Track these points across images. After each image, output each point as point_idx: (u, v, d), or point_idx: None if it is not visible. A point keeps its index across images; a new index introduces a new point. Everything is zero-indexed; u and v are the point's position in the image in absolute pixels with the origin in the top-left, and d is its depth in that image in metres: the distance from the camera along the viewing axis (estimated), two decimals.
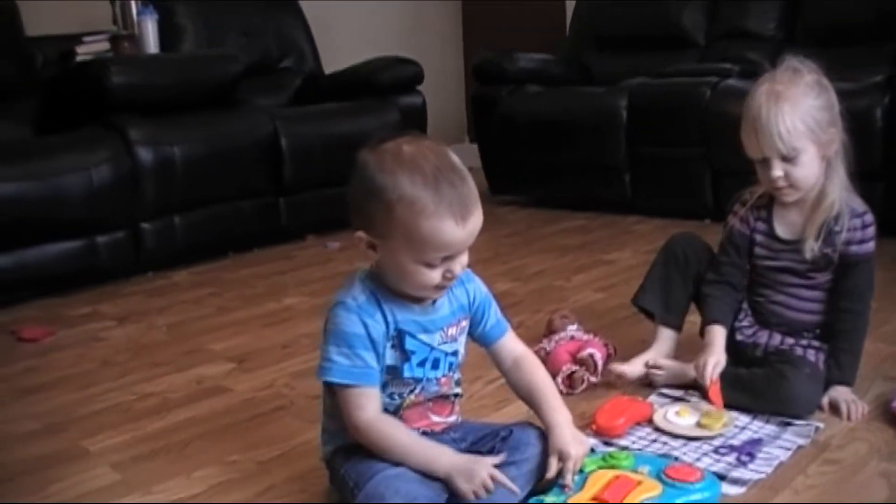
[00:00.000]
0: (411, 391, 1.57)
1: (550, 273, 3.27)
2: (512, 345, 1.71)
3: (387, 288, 1.52)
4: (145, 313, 2.98)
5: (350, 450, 1.56)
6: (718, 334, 2.04)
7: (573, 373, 2.11)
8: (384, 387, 1.54)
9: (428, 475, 1.50)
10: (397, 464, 1.49)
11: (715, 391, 1.94)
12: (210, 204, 3.63)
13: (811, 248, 1.96)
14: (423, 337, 1.55)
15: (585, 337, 2.26)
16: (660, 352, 2.16)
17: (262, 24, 4.60)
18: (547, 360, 2.19)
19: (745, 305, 2.13)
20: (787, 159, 1.90)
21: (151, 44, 4.00)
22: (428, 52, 5.40)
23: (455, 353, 1.62)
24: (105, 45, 3.95)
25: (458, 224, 1.42)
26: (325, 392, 1.60)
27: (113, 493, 1.72)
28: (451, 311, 1.59)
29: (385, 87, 4.26)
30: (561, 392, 2.08)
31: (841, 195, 1.96)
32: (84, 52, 3.88)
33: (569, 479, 1.54)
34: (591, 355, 2.13)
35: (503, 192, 4.67)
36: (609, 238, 3.81)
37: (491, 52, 4.77)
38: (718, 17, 4.72)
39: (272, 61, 4.62)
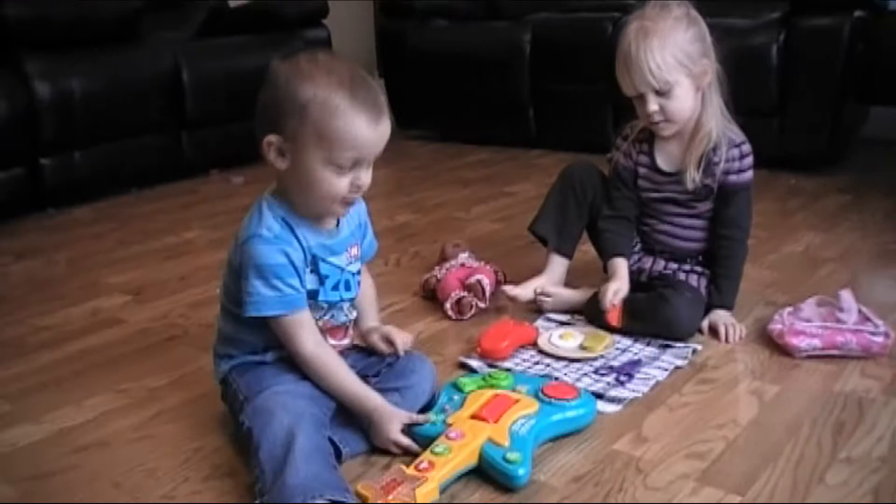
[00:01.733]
0: (322, 316, 1.61)
1: (451, 205, 3.32)
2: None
3: (295, 212, 1.54)
4: (44, 249, 2.96)
5: (245, 367, 1.60)
6: (621, 265, 2.10)
7: (461, 298, 2.16)
8: None
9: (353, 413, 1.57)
10: (291, 383, 1.54)
11: (614, 313, 2.02)
12: (111, 139, 3.58)
13: (692, 178, 2.03)
14: (333, 259, 1.59)
15: (476, 264, 2.31)
16: (551, 278, 2.21)
17: None
18: (437, 287, 2.25)
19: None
20: (660, 93, 1.95)
21: None
22: None
23: (359, 273, 1.67)
24: None
25: (371, 124, 1.46)
26: (225, 319, 1.63)
27: (2, 422, 1.73)
28: (351, 232, 1.64)
29: (290, 20, 4.23)
30: (450, 317, 2.15)
31: (718, 125, 2.01)
32: None
33: (400, 349, 1.67)
34: (479, 281, 2.18)
35: (410, 126, 4.67)
36: (512, 171, 3.87)
37: None
38: None
39: None
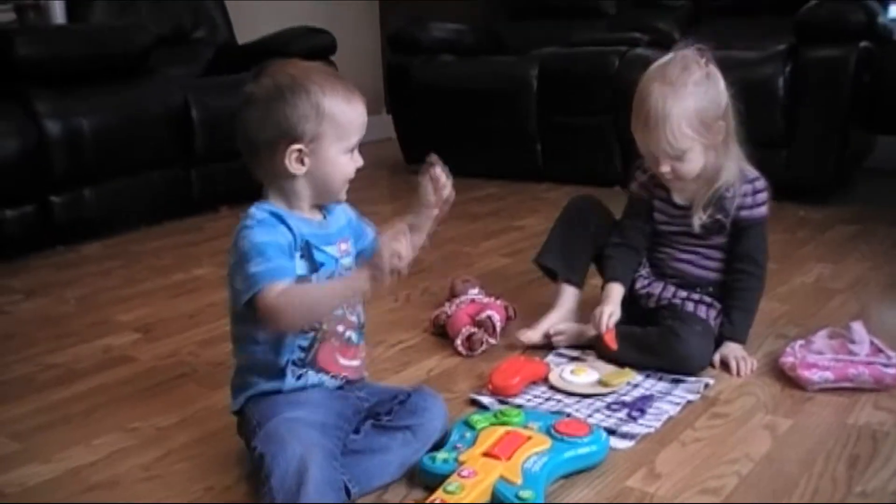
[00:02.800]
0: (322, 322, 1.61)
1: (459, 240, 3.31)
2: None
3: (284, 207, 1.58)
4: (53, 286, 2.96)
5: (260, 397, 1.60)
6: (616, 290, 2.11)
7: (472, 335, 2.15)
8: None
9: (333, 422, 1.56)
10: (300, 410, 1.54)
11: (610, 336, 2.03)
12: (121, 176, 3.59)
13: (699, 217, 2.04)
14: (326, 248, 1.61)
15: (486, 300, 2.31)
16: (563, 310, 2.20)
17: None
18: (448, 323, 2.24)
19: (644, 259, 2.20)
20: (673, 158, 1.97)
21: (58, 13, 3.94)
22: (344, 22, 5.39)
23: (349, 270, 1.65)
24: (11, 16, 3.88)
25: (361, 103, 1.59)
26: (235, 325, 1.64)
27: (12, 461, 1.73)
28: (339, 228, 1.66)
29: (297, 57, 4.22)
30: (460, 353, 2.15)
31: (735, 171, 2.03)
32: None
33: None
34: (490, 317, 2.17)
35: (418, 160, 4.64)
36: (520, 205, 3.87)
37: (405, 21, 4.78)
38: None
39: (185, 31, 4.56)
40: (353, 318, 1.68)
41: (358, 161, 1.62)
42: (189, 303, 2.67)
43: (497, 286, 2.54)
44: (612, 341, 2.03)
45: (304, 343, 1.61)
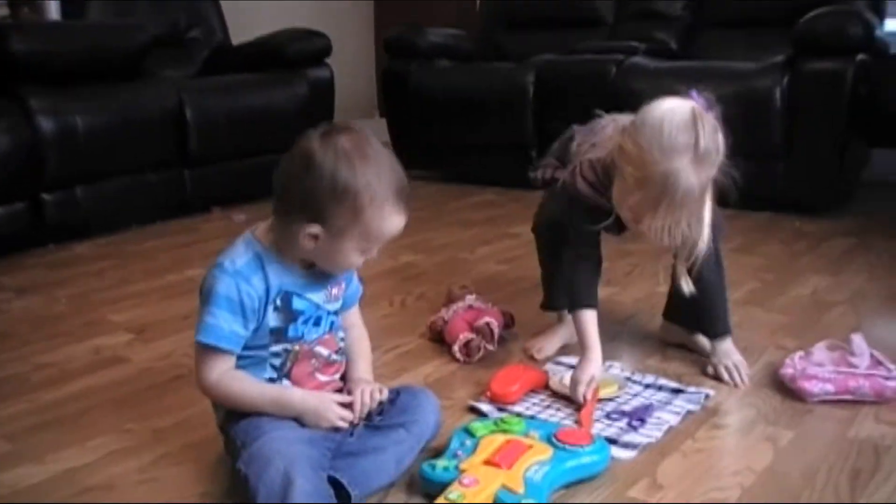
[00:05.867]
0: (294, 345, 1.60)
1: (455, 246, 3.31)
2: (354, 318, 1.76)
3: (275, 253, 1.55)
4: (45, 285, 2.93)
5: (238, 412, 1.58)
6: (590, 326, 1.96)
7: (470, 341, 2.14)
8: (268, 347, 1.57)
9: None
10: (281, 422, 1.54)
11: (587, 414, 1.82)
12: (114, 175, 3.57)
13: (686, 285, 1.90)
14: (310, 296, 1.58)
15: (483, 306, 2.30)
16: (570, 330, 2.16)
17: None
18: (445, 329, 2.23)
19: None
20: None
21: (53, 10, 3.91)
22: (339, 24, 5.37)
23: (336, 313, 1.66)
24: (4, 11, 3.86)
25: (404, 217, 1.53)
26: None
27: (3, 462, 1.70)
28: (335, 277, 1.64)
29: (292, 59, 4.24)
30: (458, 360, 2.13)
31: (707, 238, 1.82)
32: None
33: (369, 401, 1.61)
34: (488, 324, 2.16)
35: (412, 166, 4.63)
36: (515, 212, 3.85)
37: (402, 26, 4.77)
38: None
39: (180, 31, 4.54)
40: (337, 340, 1.67)
41: (374, 251, 1.56)
42: (183, 304, 2.64)
43: (494, 293, 2.53)
44: (587, 420, 1.80)
45: (276, 362, 1.60)
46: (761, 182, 3.57)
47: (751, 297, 2.60)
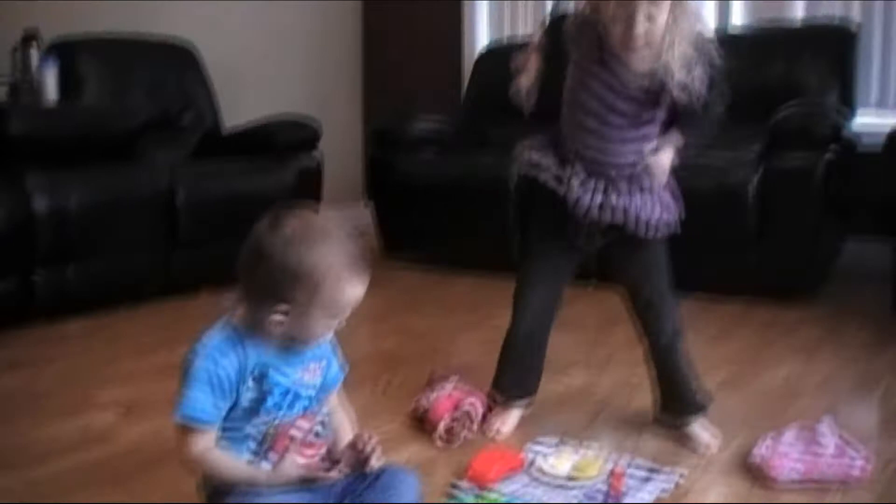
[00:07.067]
0: (272, 422, 1.62)
1: (437, 331, 3.37)
2: (337, 400, 1.79)
3: (252, 330, 1.58)
4: (34, 362, 2.97)
5: (226, 489, 1.60)
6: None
7: (451, 428, 2.19)
8: (246, 425, 1.60)
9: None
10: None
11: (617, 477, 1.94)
12: (104, 255, 3.63)
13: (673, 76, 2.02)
14: (288, 370, 1.61)
15: (464, 392, 2.34)
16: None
17: (165, 78, 4.63)
18: (425, 415, 2.27)
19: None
20: (650, 18, 1.96)
21: (51, 93, 4.01)
22: (327, 109, 5.51)
23: (313, 395, 1.67)
24: (3, 89, 3.96)
25: (365, 281, 1.58)
26: None
27: None
28: (312, 353, 1.65)
29: (282, 146, 4.34)
30: (439, 445, 2.17)
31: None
32: None
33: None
34: (469, 412, 2.22)
35: (396, 251, 4.76)
36: (497, 299, 3.89)
37: (390, 114, 4.88)
38: None
39: (173, 115, 4.63)
40: (317, 421, 1.69)
41: (343, 322, 1.61)
42: (170, 383, 2.60)
43: (475, 378, 2.55)
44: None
45: (255, 440, 1.62)
46: (734, 272, 3.67)
47: (724, 384, 2.65)
